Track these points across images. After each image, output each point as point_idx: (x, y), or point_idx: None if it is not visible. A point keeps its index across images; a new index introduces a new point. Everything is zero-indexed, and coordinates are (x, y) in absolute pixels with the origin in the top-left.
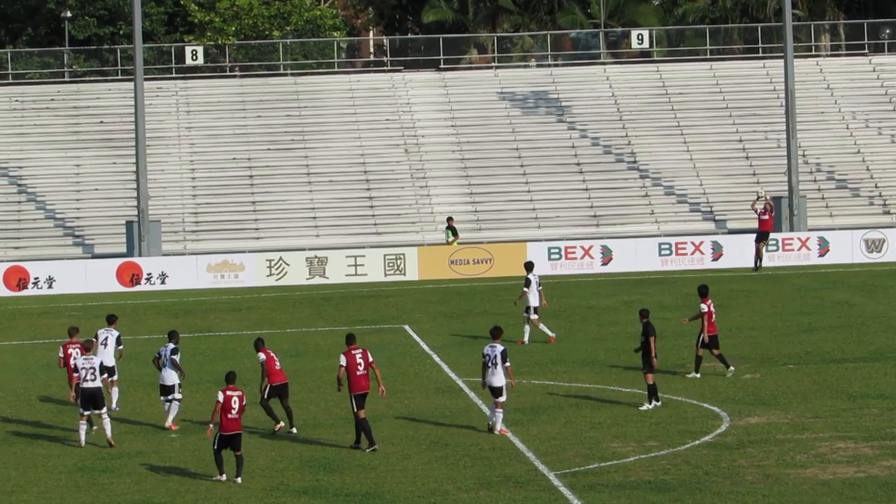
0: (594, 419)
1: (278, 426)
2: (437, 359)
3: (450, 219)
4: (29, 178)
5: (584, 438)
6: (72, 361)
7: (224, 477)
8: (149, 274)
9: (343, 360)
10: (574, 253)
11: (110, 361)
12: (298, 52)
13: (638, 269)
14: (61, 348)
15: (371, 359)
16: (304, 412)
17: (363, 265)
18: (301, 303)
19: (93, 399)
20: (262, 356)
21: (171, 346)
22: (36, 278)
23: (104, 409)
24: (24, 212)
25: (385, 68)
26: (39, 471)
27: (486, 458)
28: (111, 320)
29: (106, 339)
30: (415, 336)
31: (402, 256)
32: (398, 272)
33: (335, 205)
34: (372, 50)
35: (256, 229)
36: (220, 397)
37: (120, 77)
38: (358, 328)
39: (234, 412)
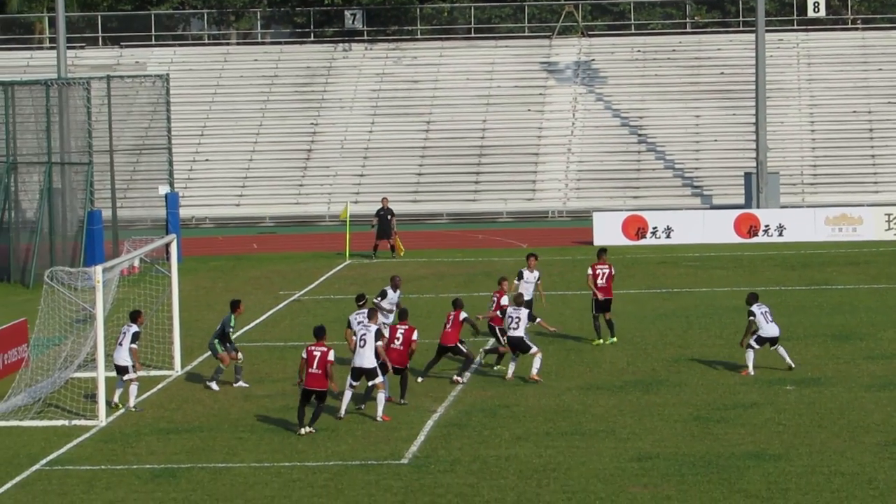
0: None
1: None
2: None
3: None
4: (649, 129)
5: None
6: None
7: None
8: (766, 226)
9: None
10: None
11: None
12: None
13: None
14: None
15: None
16: None
17: None
18: None
19: (518, 346)
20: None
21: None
22: (654, 227)
23: (533, 350)
24: (643, 161)
25: None
26: (655, 419)
27: None
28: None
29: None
30: None
31: None
32: None
33: None
34: None
35: (875, 182)
36: None
37: (741, 28)
38: None
39: None
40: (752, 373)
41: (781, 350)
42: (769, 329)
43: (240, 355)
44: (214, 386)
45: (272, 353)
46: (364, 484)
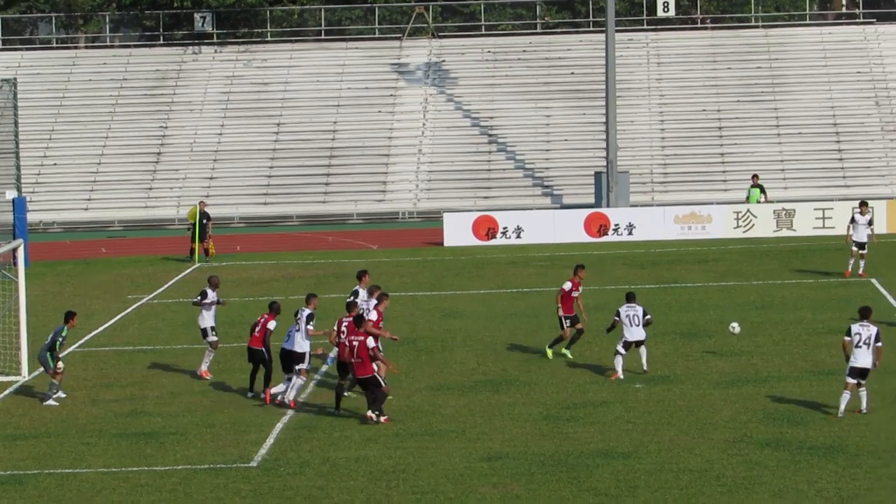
0: None
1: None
2: None
3: (755, 176)
4: (499, 129)
5: None
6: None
7: None
8: (616, 224)
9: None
10: None
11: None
12: (770, 4)
13: None
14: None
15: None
16: (768, 364)
17: (831, 218)
18: (768, 255)
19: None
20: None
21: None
22: (505, 228)
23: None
24: (494, 162)
25: (857, 21)
26: (505, 418)
27: None
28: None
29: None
30: (882, 290)
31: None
32: None
33: (804, 157)
34: (844, 2)
35: (724, 181)
36: None
37: (591, 28)
38: (823, 281)
39: None
40: (622, 376)
41: (643, 351)
42: (634, 332)
43: (60, 364)
44: (52, 402)
45: (120, 358)
46: (213, 487)
